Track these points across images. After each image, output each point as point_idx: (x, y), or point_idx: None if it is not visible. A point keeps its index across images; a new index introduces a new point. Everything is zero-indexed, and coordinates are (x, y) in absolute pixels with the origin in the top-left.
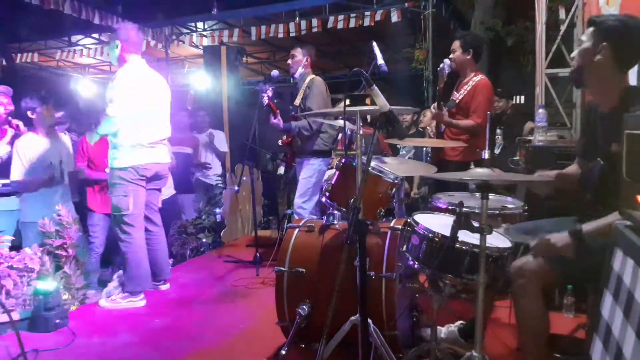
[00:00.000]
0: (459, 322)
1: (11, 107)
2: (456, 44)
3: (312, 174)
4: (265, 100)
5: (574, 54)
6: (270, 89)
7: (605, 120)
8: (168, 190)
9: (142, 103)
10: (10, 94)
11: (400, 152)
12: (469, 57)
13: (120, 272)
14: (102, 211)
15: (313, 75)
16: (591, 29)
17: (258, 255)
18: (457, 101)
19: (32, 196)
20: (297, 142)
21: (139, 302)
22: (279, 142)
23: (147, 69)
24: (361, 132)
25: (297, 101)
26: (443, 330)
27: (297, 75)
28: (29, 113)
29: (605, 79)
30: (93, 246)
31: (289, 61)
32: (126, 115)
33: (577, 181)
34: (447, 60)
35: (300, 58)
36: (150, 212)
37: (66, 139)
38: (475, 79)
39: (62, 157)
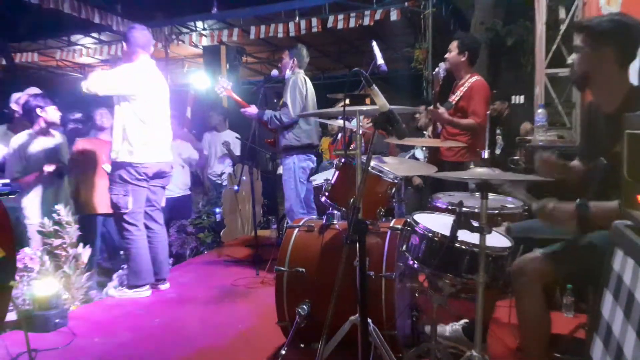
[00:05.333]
0: (463, 321)
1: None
2: (453, 44)
3: (288, 176)
4: (223, 92)
5: (573, 60)
6: (225, 80)
7: (609, 120)
8: (182, 189)
9: (142, 102)
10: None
11: (400, 153)
12: (463, 58)
13: (120, 271)
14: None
15: (298, 75)
16: (584, 34)
17: (258, 255)
18: (454, 103)
19: (34, 196)
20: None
21: (145, 292)
22: (265, 141)
23: (153, 69)
24: (361, 132)
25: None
26: (447, 329)
27: (286, 76)
28: (38, 110)
29: (610, 81)
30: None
31: (279, 64)
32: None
33: (580, 177)
34: (442, 64)
35: (287, 60)
36: (152, 209)
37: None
38: (470, 80)
39: (61, 157)
